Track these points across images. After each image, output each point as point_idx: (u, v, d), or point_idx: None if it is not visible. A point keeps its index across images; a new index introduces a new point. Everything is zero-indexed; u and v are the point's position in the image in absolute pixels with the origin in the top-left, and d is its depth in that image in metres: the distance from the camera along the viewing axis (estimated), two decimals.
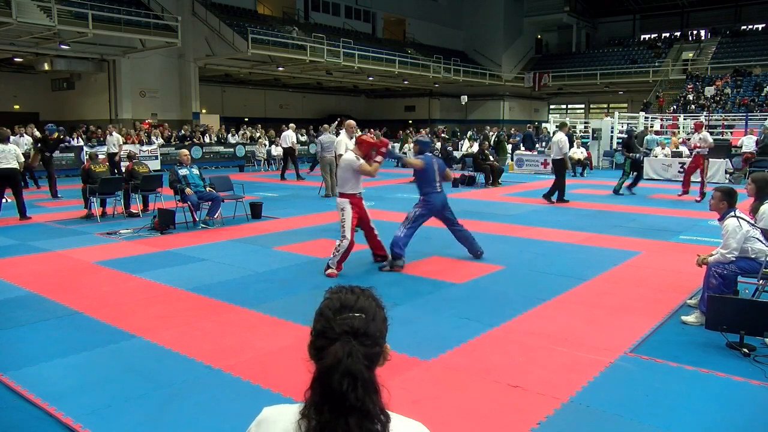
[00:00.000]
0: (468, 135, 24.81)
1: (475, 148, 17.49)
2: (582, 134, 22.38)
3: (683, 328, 4.57)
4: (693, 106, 27.17)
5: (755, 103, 26.13)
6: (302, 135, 24.26)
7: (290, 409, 1.20)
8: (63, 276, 6.21)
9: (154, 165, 18.15)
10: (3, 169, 9.51)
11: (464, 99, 30.24)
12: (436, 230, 7.05)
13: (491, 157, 15.93)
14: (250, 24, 25.10)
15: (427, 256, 6.99)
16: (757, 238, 4.55)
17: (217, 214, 9.34)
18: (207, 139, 22.28)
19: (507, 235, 8.39)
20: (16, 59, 22.23)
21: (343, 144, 11.06)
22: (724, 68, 30.74)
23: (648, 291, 5.53)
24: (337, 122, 18.23)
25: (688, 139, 18.43)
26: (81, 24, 18.62)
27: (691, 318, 4.65)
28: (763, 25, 34.13)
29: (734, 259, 4.54)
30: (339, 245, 6.08)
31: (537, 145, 20.58)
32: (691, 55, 33.78)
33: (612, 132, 21.19)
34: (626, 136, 14.35)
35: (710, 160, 13.19)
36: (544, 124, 25.08)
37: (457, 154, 20.01)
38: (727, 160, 16.52)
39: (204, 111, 27.15)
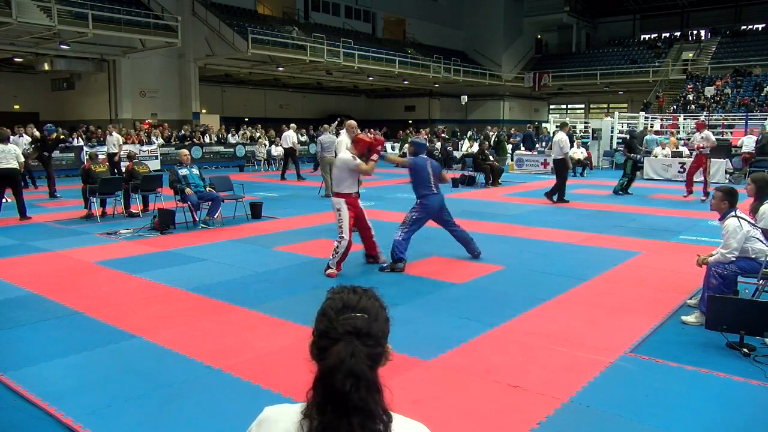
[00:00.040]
0: (468, 135, 24.83)
1: (475, 148, 17.49)
2: (582, 134, 22.39)
3: (683, 328, 4.57)
4: (693, 106, 27.18)
5: (755, 103, 26.13)
6: (302, 135, 24.26)
7: (291, 408, 1.20)
8: (63, 276, 6.21)
9: (154, 165, 18.16)
10: (3, 169, 9.51)
11: (464, 99, 30.25)
12: (436, 230, 7.04)
13: (491, 157, 15.93)
14: (250, 24, 25.10)
15: (427, 256, 6.99)
16: (758, 238, 4.55)
17: (217, 214, 9.34)
18: (207, 139, 22.29)
19: (507, 235, 8.39)
20: (16, 59, 22.23)
21: (344, 144, 11.04)
22: (724, 68, 30.74)
23: (648, 291, 5.53)
24: (337, 122, 18.22)
25: (689, 139, 18.44)
26: (81, 24, 18.62)
27: (691, 318, 4.65)
28: (763, 25, 34.12)
29: (734, 259, 4.54)
30: (338, 246, 6.07)
31: (537, 145, 20.59)
32: (691, 55, 33.78)
33: (612, 132, 21.20)
34: (628, 136, 14.35)
35: (711, 159, 13.19)
36: (544, 124, 25.09)
37: (457, 154, 20.02)
38: (727, 160, 16.52)
39: (204, 111, 27.15)
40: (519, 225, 9.24)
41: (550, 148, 18.14)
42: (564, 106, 42.94)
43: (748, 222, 4.61)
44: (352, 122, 9.34)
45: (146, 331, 4.47)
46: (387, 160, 7.02)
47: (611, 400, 3.35)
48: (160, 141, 20.21)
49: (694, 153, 12.79)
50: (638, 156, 13.71)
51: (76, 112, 24.77)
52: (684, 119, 24.03)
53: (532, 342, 4.25)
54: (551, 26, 39.98)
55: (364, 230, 6.48)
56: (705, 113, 24.56)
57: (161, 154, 19.60)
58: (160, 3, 22.11)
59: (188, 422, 3.14)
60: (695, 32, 36.49)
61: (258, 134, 23.58)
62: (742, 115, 23.13)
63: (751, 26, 34.93)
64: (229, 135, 23.27)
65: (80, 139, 18.85)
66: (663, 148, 17.35)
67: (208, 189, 9.45)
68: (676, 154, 17.00)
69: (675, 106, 27.89)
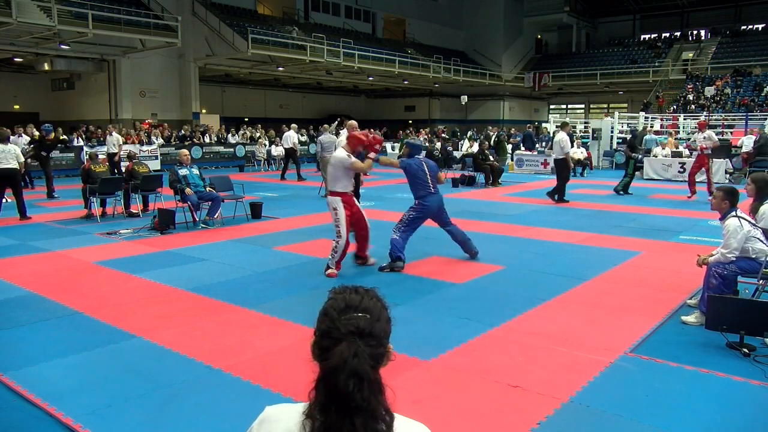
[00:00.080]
0: (468, 135, 24.82)
1: (475, 148, 17.49)
2: (582, 134, 22.39)
3: (683, 328, 4.57)
4: (693, 106, 27.18)
5: (755, 103, 26.13)
6: (302, 135, 24.26)
7: (293, 408, 1.20)
8: (63, 276, 6.21)
9: (154, 165, 18.16)
10: (3, 169, 9.52)
11: (464, 99, 30.26)
12: (436, 230, 7.04)
13: (491, 157, 15.93)
14: (250, 24, 25.10)
15: (427, 256, 6.99)
16: (758, 238, 4.55)
17: (217, 214, 9.34)
18: (207, 139, 22.29)
19: (507, 235, 8.39)
20: (16, 59, 22.23)
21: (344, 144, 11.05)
22: (724, 68, 30.74)
23: (648, 291, 5.53)
24: (337, 122, 18.21)
25: (689, 139, 18.42)
26: (81, 24, 18.62)
27: (691, 318, 4.65)
28: (763, 25, 34.12)
29: (735, 259, 4.54)
30: (336, 245, 6.05)
31: (537, 145, 20.59)
32: (691, 55, 33.79)
33: (612, 132, 21.19)
34: (630, 135, 14.35)
35: (713, 159, 13.19)
36: (544, 124, 25.08)
37: (457, 154, 20.01)
38: (727, 160, 16.52)
39: (204, 111, 27.15)
40: (519, 225, 9.24)
41: (551, 148, 18.15)
42: (564, 106, 42.94)
43: (749, 222, 4.61)
44: (353, 122, 9.32)
45: (146, 331, 4.47)
46: (382, 163, 6.96)
47: (611, 400, 3.34)
48: (160, 141, 20.21)
49: (695, 153, 12.79)
50: (639, 155, 13.71)
51: (76, 112, 24.77)
52: (684, 119, 24.02)
53: (532, 342, 4.25)
54: (551, 26, 39.98)
55: (361, 229, 6.39)
56: (705, 113, 24.55)
57: (161, 154, 19.60)
58: (160, 3, 22.11)
59: (188, 422, 3.14)
60: (695, 32, 36.50)
61: (258, 134, 23.58)
62: (742, 115, 23.13)
63: (751, 26, 34.93)
64: (229, 135, 23.28)
65: (80, 139, 18.85)
66: (663, 148, 17.36)
67: (208, 189, 9.45)
68: (676, 154, 17.00)
69: (675, 106, 27.90)
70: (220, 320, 4.78)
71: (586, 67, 35.01)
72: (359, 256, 6.50)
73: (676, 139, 19.40)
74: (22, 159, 10.07)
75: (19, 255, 7.21)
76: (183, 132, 22.06)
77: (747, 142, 17.24)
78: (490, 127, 24.35)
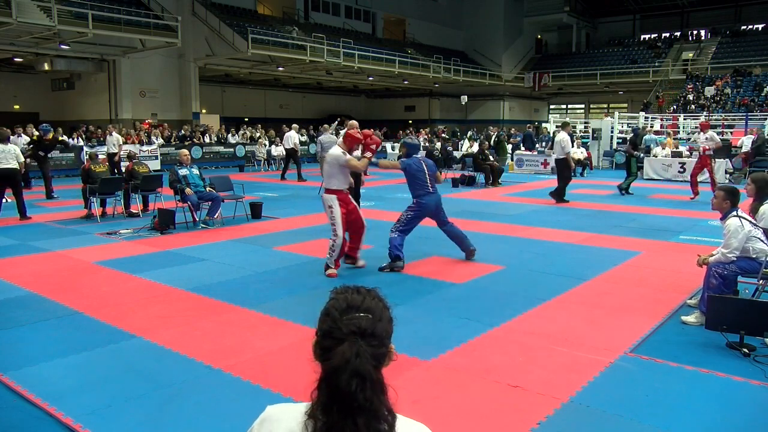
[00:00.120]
0: (468, 135, 24.81)
1: (475, 148, 17.49)
2: (582, 134, 22.39)
3: (683, 328, 4.57)
4: (693, 106, 27.18)
5: (755, 103, 26.14)
6: (302, 135, 24.27)
7: (294, 408, 1.20)
8: (63, 276, 6.21)
9: (154, 165, 18.15)
10: (3, 169, 9.52)
11: (464, 99, 30.27)
12: (435, 230, 7.04)
13: (491, 157, 15.93)
14: (250, 24, 25.10)
15: (427, 256, 6.99)
16: (759, 238, 4.55)
17: (217, 214, 9.34)
18: (207, 139, 22.29)
19: (507, 235, 8.39)
20: (16, 59, 22.23)
21: None
22: (724, 68, 30.74)
23: (648, 291, 5.53)
24: (337, 122, 18.21)
25: (689, 139, 18.42)
26: (81, 24, 18.62)
27: (691, 318, 4.65)
28: (763, 25, 34.12)
29: (735, 259, 4.54)
30: (333, 244, 6.02)
31: (537, 145, 20.58)
32: (691, 55, 33.79)
33: (612, 132, 21.19)
34: (632, 134, 14.36)
35: (715, 159, 13.19)
36: (544, 124, 25.08)
37: (457, 154, 20.01)
38: (727, 160, 16.53)
39: (204, 111, 27.16)
40: (519, 225, 9.24)
41: (551, 148, 18.15)
42: (564, 106, 42.95)
43: (750, 222, 4.61)
44: (354, 122, 9.30)
45: (146, 331, 4.47)
46: (383, 166, 6.90)
47: (611, 400, 3.34)
48: (160, 141, 20.20)
49: (696, 153, 12.79)
50: (641, 154, 13.72)
51: (76, 112, 24.77)
52: (684, 119, 24.02)
53: (532, 342, 4.25)
54: (551, 26, 39.98)
55: (358, 228, 6.29)
56: (705, 113, 24.56)
57: (161, 154, 19.60)
58: (160, 3, 22.11)
59: (188, 422, 3.14)
60: (695, 32, 36.50)
61: (258, 134, 23.58)
62: (742, 115, 23.13)
63: (751, 26, 34.94)
64: (229, 135, 23.27)
65: (80, 139, 18.85)
66: (663, 148, 17.37)
67: (208, 189, 9.46)
68: (676, 154, 17.01)
69: (675, 106, 27.90)
70: (220, 320, 4.78)
71: (586, 67, 35.01)
72: (349, 256, 6.40)
73: (675, 139, 19.41)
74: (22, 159, 10.07)
75: (19, 255, 7.21)
76: (183, 132, 22.06)
77: (747, 142, 17.25)
78: (491, 127, 24.33)
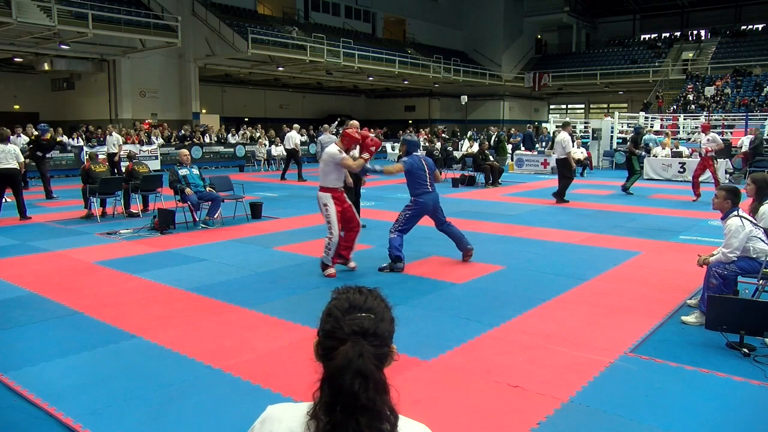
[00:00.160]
0: (468, 135, 24.82)
1: (475, 148, 17.49)
2: (582, 134, 22.38)
3: (683, 328, 4.57)
4: (693, 106, 27.19)
5: (755, 103, 26.14)
6: (302, 135, 24.28)
7: (296, 408, 1.20)
8: (63, 276, 6.21)
9: (154, 165, 18.16)
10: (3, 169, 9.52)
11: (464, 99, 30.29)
12: (436, 230, 7.03)
13: (491, 157, 15.93)
14: (250, 24, 25.11)
15: (427, 256, 6.99)
16: (760, 238, 4.54)
17: (217, 214, 9.34)
18: (207, 139, 22.29)
19: (507, 235, 8.39)
20: (16, 59, 22.24)
21: None
22: (724, 68, 30.75)
23: (648, 291, 5.53)
24: (337, 122, 18.20)
25: (689, 139, 18.40)
26: (81, 24, 18.63)
27: (691, 318, 4.65)
28: (763, 25, 34.14)
29: (736, 259, 4.54)
30: (329, 243, 5.99)
31: (537, 145, 20.58)
32: (691, 55, 33.80)
33: (612, 132, 21.19)
34: (634, 132, 14.37)
35: (717, 160, 13.19)
36: (544, 124, 25.08)
37: (457, 154, 20.02)
38: (727, 160, 16.53)
39: (204, 111, 27.16)
40: (519, 225, 9.24)
41: (551, 148, 18.14)
42: (564, 106, 42.96)
43: (751, 222, 4.61)
44: (355, 122, 9.29)
45: (146, 331, 4.47)
46: (388, 172, 6.68)
47: (611, 400, 3.34)
48: (160, 141, 20.21)
49: (695, 154, 12.80)
50: (642, 153, 13.73)
51: (76, 112, 24.78)
52: (684, 119, 24.02)
53: (532, 342, 4.25)
54: (551, 26, 39.99)
55: (353, 227, 6.24)
56: (705, 113, 24.56)
57: (161, 154, 19.60)
58: (160, 3, 22.12)
59: (188, 422, 3.14)
60: (695, 32, 36.52)
61: (258, 134, 23.58)
62: (742, 115, 23.14)
63: (751, 26, 34.95)
64: (229, 135, 23.28)
65: (80, 139, 18.86)
66: (663, 148, 17.37)
67: (208, 189, 9.45)
68: (676, 154, 17.01)
69: (675, 106, 27.90)
70: (220, 320, 4.78)
71: (586, 67, 35.02)
72: (341, 255, 6.30)
73: (675, 139, 19.41)
74: (22, 159, 10.07)
75: (19, 255, 7.21)
76: (183, 132, 22.07)
77: (747, 143, 17.26)
78: (492, 128, 24.35)
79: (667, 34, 37.39)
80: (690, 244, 7.60)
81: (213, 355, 4.01)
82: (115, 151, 15.63)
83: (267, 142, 22.06)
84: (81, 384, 3.60)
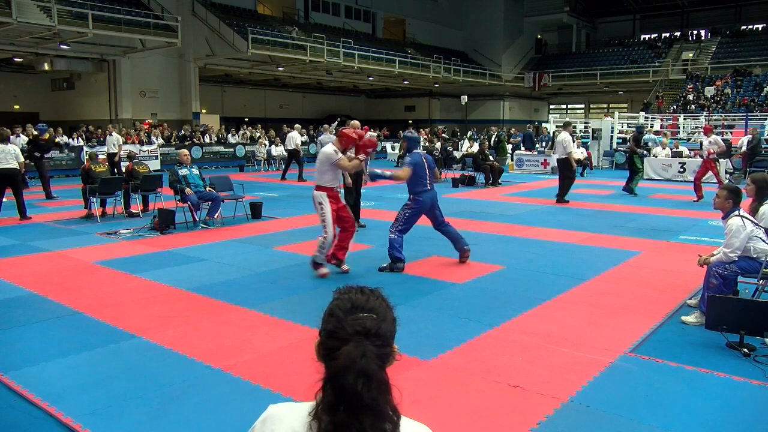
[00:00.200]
0: (468, 135, 24.82)
1: (475, 148, 17.50)
2: (582, 134, 22.38)
3: (683, 328, 4.57)
4: (693, 106, 27.18)
5: (755, 103, 26.14)
6: (302, 135, 24.27)
7: (297, 407, 1.20)
8: (63, 276, 6.21)
9: (154, 165, 18.16)
10: (3, 169, 9.52)
11: (464, 99, 30.30)
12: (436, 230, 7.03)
13: (491, 157, 15.93)
14: (250, 24, 25.12)
15: (427, 256, 6.99)
16: (761, 238, 4.54)
17: (217, 214, 9.34)
18: (207, 139, 22.29)
19: (507, 235, 8.39)
20: (16, 59, 22.24)
21: None
22: (724, 68, 30.75)
23: (648, 291, 5.53)
24: (337, 122, 18.20)
25: (689, 139, 18.40)
26: (81, 24, 18.63)
27: (691, 318, 4.65)
28: (763, 25, 34.15)
29: (737, 258, 4.53)
30: (323, 242, 5.97)
31: (537, 145, 20.57)
32: (691, 55, 33.80)
33: (612, 132, 21.19)
34: (636, 131, 14.37)
35: (719, 161, 13.20)
36: (544, 124, 25.08)
37: (457, 154, 20.02)
38: (727, 160, 16.53)
39: (204, 111, 27.16)
40: (519, 225, 9.24)
41: (551, 148, 18.15)
42: (564, 106, 42.96)
43: (752, 221, 4.60)
44: (356, 122, 9.26)
45: (146, 331, 4.47)
46: (398, 178, 6.54)
47: (611, 400, 3.34)
48: (160, 141, 20.21)
49: (696, 153, 12.80)
50: (644, 152, 13.74)
51: (76, 112, 24.79)
52: (684, 119, 24.01)
53: (532, 342, 4.25)
54: (551, 26, 40.00)
55: (349, 227, 6.21)
56: (705, 113, 24.56)
57: (161, 154, 19.60)
58: (160, 3, 22.12)
59: (188, 422, 3.14)
60: (695, 32, 36.53)
61: (258, 134, 23.59)
62: (742, 115, 23.14)
63: (751, 26, 34.96)
64: (229, 135, 23.28)
65: (80, 139, 18.85)
66: (663, 148, 17.37)
67: (208, 189, 9.45)
68: (677, 154, 17.01)
69: (675, 106, 27.90)
70: (220, 320, 4.78)
71: (586, 67, 35.02)
72: (336, 257, 6.24)
73: (674, 139, 19.40)
74: (22, 159, 10.08)
75: (19, 255, 7.21)
76: (183, 132, 22.07)
77: (745, 143, 17.27)
78: (494, 128, 24.35)
79: (667, 34, 37.40)
80: (690, 244, 7.60)
81: (213, 355, 4.01)
82: (115, 151, 15.63)
83: (267, 142, 22.06)
84: (81, 384, 3.60)
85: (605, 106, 38.25)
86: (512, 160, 19.90)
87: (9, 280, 6.01)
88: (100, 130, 19.90)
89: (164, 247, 7.65)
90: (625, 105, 36.69)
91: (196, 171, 9.57)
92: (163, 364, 3.88)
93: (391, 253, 6.32)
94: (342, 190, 8.50)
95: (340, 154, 6.04)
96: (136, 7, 21.89)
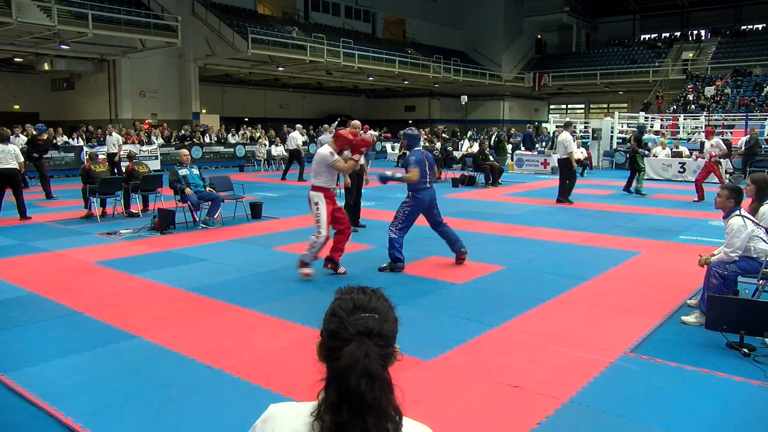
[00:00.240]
0: (468, 135, 24.82)
1: (475, 148, 17.50)
2: (582, 134, 22.39)
3: (683, 328, 4.56)
4: (693, 106, 27.18)
5: (755, 103, 26.14)
6: (302, 135, 24.27)
7: (298, 407, 1.20)
8: (63, 276, 6.21)
9: (154, 165, 18.16)
10: (3, 169, 9.52)
11: (464, 99, 30.30)
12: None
13: (491, 157, 15.93)
14: (250, 24, 25.12)
15: (427, 256, 6.98)
16: (761, 238, 4.54)
17: (217, 214, 9.34)
18: (207, 139, 22.29)
19: (507, 235, 8.39)
20: (16, 59, 22.24)
21: None
22: (724, 68, 30.75)
23: (648, 291, 5.53)
24: (337, 122, 18.20)
25: (689, 140, 18.39)
26: (81, 24, 18.63)
27: (691, 318, 4.65)
28: (763, 25, 34.15)
29: (738, 258, 4.53)
30: (314, 242, 5.94)
31: (537, 145, 20.57)
32: (691, 55, 33.80)
33: (612, 132, 21.19)
34: (637, 131, 14.37)
35: (721, 163, 13.20)
36: (544, 124, 25.08)
37: (457, 154, 20.02)
38: (727, 160, 16.52)
39: (204, 111, 27.16)
40: (519, 225, 9.24)
41: (551, 148, 18.15)
42: (564, 106, 42.97)
43: (752, 221, 4.60)
44: (357, 122, 9.24)
45: (146, 331, 4.47)
46: (408, 180, 6.38)
47: (611, 400, 3.34)
48: (160, 141, 20.21)
49: (702, 159, 12.79)
50: (645, 151, 13.75)
51: (76, 112, 24.79)
52: (684, 119, 24.01)
53: (532, 342, 4.25)
54: (551, 26, 40.01)
55: (344, 229, 6.19)
56: (705, 113, 24.55)
57: (161, 154, 19.60)
58: (160, 3, 22.12)
59: (188, 422, 3.14)
60: (695, 32, 36.54)
61: (258, 134, 23.59)
62: (742, 115, 23.13)
63: (751, 26, 34.97)
64: (229, 135, 23.28)
65: (80, 139, 18.85)
66: (663, 148, 17.38)
67: (208, 189, 9.45)
68: (677, 154, 17.01)
69: (675, 106, 27.90)
70: (220, 320, 4.78)
71: (586, 67, 35.03)
72: (331, 260, 6.19)
73: (674, 139, 19.40)
74: (22, 159, 10.08)
75: (19, 255, 7.21)
76: (183, 132, 22.07)
77: (743, 143, 17.27)
78: (494, 128, 24.34)
79: (667, 34, 37.41)
80: (690, 244, 7.60)
81: (213, 355, 4.01)
82: (115, 151, 15.62)
83: (267, 142, 22.06)
84: (81, 384, 3.60)
85: (605, 106, 38.25)
86: (512, 160, 19.90)
87: (9, 280, 6.01)
88: (100, 130, 19.90)
89: (164, 247, 7.65)
90: (625, 105, 36.69)
91: (196, 171, 9.57)
92: (163, 364, 3.88)
93: (391, 253, 6.31)
94: (342, 191, 8.51)
95: (336, 156, 6.01)
96: (136, 7, 21.90)
